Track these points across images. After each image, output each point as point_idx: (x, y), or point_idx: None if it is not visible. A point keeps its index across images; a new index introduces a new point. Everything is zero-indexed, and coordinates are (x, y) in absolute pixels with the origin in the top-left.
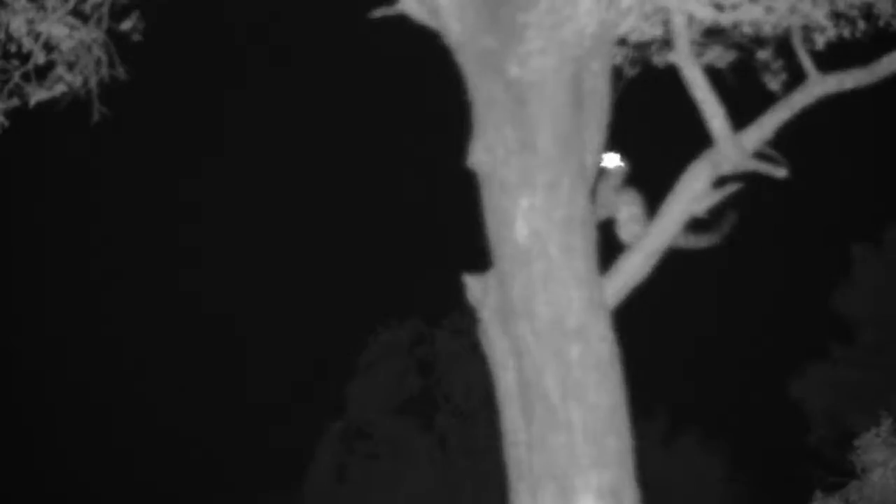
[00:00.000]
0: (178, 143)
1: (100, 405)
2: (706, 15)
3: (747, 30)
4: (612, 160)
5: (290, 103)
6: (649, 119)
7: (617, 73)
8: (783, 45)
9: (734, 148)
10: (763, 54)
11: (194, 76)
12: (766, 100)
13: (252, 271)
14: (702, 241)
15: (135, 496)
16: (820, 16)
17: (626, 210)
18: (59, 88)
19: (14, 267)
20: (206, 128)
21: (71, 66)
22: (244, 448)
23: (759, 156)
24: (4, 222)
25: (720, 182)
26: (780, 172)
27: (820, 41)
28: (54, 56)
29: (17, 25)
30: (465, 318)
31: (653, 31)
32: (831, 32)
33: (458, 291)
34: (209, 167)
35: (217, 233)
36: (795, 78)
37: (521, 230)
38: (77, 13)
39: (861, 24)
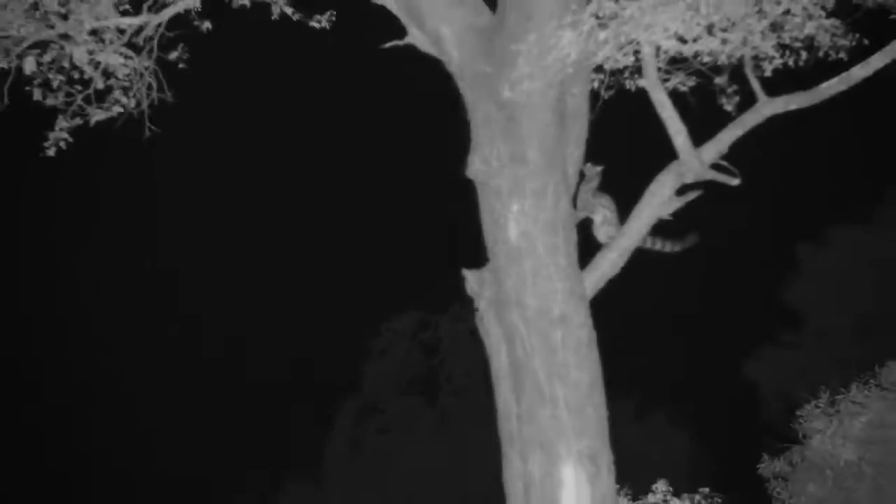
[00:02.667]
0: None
1: (125, 387)
2: (671, 46)
3: (706, 59)
4: (591, 168)
5: (307, 108)
6: (622, 135)
7: (594, 95)
8: (737, 72)
9: (695, 160)
10: (719, 80)
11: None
12: (722, 119)
13: (274, 272)
14: (667, 247)
15: (162, 471)
16: (768, 47)
17: (602, 213)
18: (116, 109)
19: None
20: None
21: (126, 91)
22: (270, 423)
23: (717, 167)
24: None
25: (683, 190)
26: (734, 181)
27: (768, 69)
28: (111, 82)
29: (80, 55)
30: (464, 308)
31: (625, 60)
32: (778, 61)
33: (459, 284)
34: (226, 165)
35: (241, 230)
36: (747, 100)
37: (512, 231)
38: (131, 45)
39: (804, 54)
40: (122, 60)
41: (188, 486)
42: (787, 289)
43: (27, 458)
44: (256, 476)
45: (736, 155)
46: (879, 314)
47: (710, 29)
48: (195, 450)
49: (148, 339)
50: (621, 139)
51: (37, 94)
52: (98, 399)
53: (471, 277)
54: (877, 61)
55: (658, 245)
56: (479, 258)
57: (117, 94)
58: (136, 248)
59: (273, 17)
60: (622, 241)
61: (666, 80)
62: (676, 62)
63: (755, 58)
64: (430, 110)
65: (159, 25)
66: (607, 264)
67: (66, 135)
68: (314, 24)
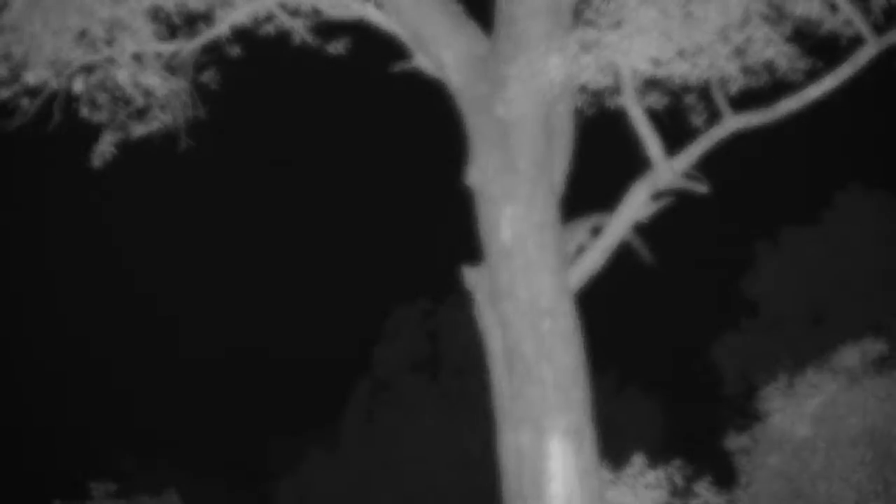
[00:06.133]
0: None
1: (164, 366)
2: (646, 69)
3: (677, 80)
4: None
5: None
6: (602, 147)
7: (578, 112)
8: (705, 92)
9: (668, 170)
10: (689, 99)
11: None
12: (692, 134)
13: (301, 268)
14: (643, 252)
15: (196, 435)
16: (732, 69)
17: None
18: (155, 124)
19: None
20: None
21: (163, 108)
22: (294, 397)
23: (687, 176)
24: None
25: (657, 196)
26: (702, 188)
27: (733, 89)
28: (151, 100)
29: (123, 77)
30: (463, 299)
31: (605, 81)
32: (741, 82)
33: (459, 278)
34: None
35: (265, 223)
36: (714, 117)
37: (505, 232)
38: (169, 67)
39: (764, 76)
40: (160, 81)
41: (221, 452)
42: (746, 282)
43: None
44: (280, 443)
45: (704, 165)
46: (830, 306)
47: (681, 53)
48: (228, 420)
49: (184, 323)
50: (601, 151)
51: (84, 112)
52: (135, 373)
53: (469, 273)
54: (829, 82)
55: (640, 248)
56: (476, 255)
57: (156, 111)
58: (167, 236)
59: (294, 45)
60: (603, 241)
61: (642, 99)
62: (651, 83)
63: (721, 79)
64: (431, 126)
65: (194, 50)
66: (590, 261)
67: (111, 147)
68: (331, 50)
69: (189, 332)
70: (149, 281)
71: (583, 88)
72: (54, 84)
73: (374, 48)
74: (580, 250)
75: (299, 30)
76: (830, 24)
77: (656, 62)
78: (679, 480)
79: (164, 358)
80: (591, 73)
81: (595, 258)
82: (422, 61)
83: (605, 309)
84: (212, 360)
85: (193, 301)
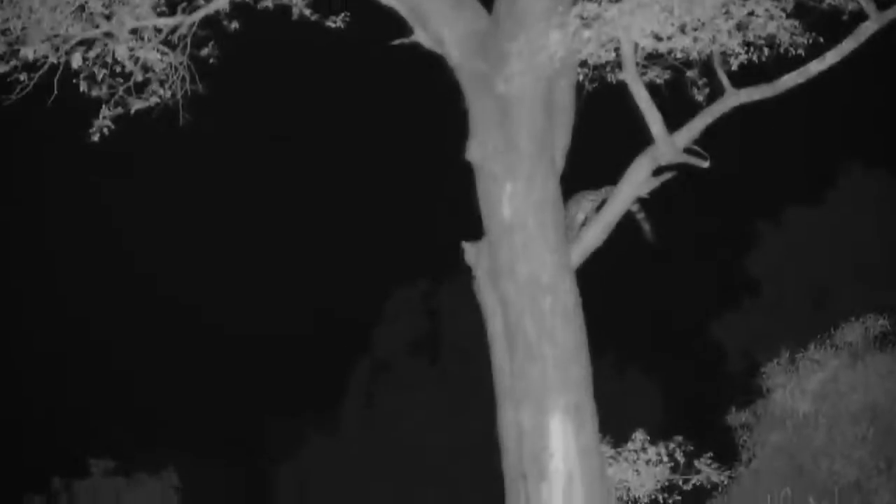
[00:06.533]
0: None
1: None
2: (647, 44)
3: (679, 55)
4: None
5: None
6: (604, 123)
7: (579, 88)
8: (706, 67)
9: (669, 145)
10: (691, 73)
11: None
12: (693, 109)
13: (303, 247)
14: (646, 226)
15: (195, 415)
16: (734, 44)
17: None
18: (153, 100)
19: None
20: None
21: (162, 83)
22: (293, 379)
23: (689, 151)
24: None
25: (658, 171)
26: (704, 164)
27: (734, 64)
28: (149, 75)
29: (122, 52)
30: (463, 278)
31: (607, 56)
32: (743, 57)
33: (459, 255)
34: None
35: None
36: (715, 92)
37: (505, 209)
38: (167, 42)
39: (766, 51)
40: (159, 56)
41: (221, 432)
42: (749, 261)
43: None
44: (279, 424)
45: (706, 140)
46: (831, 285)
47: (682, 28)
48: (227, 401)
49: (183, 303)
50: (603, 126)
51: (83, 86)
52: (134, 353)
53: (469, 250)
54: (831, 57)
55: (644, 223)
56: (476, 232)
57: (155, 86)
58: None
59: (293, 18)
60: (604, 217)
61: (643, 74)
62: (653, 58)
63: (723, 54)
64: (431, 102)
65: (192, 25)
66: (591, 237)
67: (109, 122)
68: (330, 23)
69: (188, 312)
70: (148, 260)
71: (583, 64)
72: (52, 59)
73: (374, 23)
74: (581, 227)
75: (298, 4)
76: None
77: (657, 37)
78: (680, 457)
79: (162, 338)
80: (592, 49)
81: (596, 234)
82: (421, 37)
83: (607, 286)
84: (211, 341)
85: (193, 282)
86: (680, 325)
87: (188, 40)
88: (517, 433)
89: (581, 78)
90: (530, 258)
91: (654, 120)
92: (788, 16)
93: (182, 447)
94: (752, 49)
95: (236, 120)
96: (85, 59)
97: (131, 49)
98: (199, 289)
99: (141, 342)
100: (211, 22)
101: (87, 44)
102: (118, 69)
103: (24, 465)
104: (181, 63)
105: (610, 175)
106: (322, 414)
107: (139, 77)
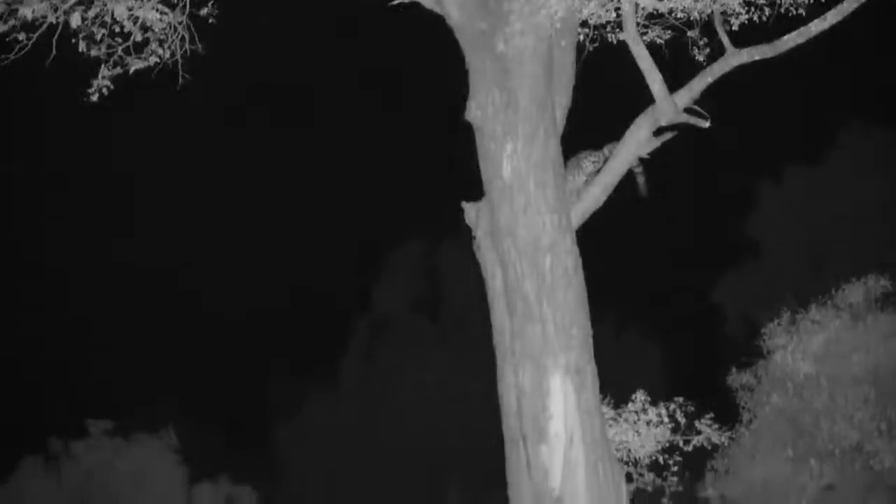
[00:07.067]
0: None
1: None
2: (648, 3)
3: (680, 14)
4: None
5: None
6: (604, 83)
7: (580, 48)
8: (707, 27)
9: (670, 105)
10: (692, 33)
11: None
12: (694, 68)
13: (302, 216)
14: (642, 182)
15: (194, 374)
16: (735, 3)
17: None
18: (153, 60)
19: None
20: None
21: (161, 43)
22: (293, 338)
23: (689, 111)
24: None
25: (659, 132)
26: (704, 124)
27: (735, 23)
28: (149, 35)
29: (121, 11)
30: (463, 236)
31: (607, 16)
32: (744, 16)
33: (459, 215)
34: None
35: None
36: (716, 52)
37: (506, 169)
38: (166, 2)
39: (767, 10)
40: (158, 16)
41: (220, 392)
42: (749, 222)
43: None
44: (279, 383)
45: (706, 100)
46: (832, 245)
47: None
48: (226, 361)
49: (184, 265)
50: (603, 86)
51: (82, 46)
52: (132, 314)
53: (469, 209)
54: (832, 17)
55: (641, 179)
56: (476, 192)
57: (154, 46)
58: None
59: None
60: (605, 177)
61: (644, 34)
62: (653, 17)
63: (723, 14)
64: (431, 61)
65: None
66: (591, 198)
67: (108, 82)
68: None
69: (189, 272)
70: (148, 223)
71: (584, 24)
72: (51, 18)
73: None
74: (581, 187)
75: None
76: None
77: None
78: (681, 418)
79: (161, 298)
80: (593, 8)
81: (596, 195)
82: None
83: (606, 247)
84: (211, 301)
85: (193, 242)
86: (680, 286)
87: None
88: (517, 394)
89: (581, 38)
90: (530, 218)
91: (654, 80)
92: None
93: (180, 405)
94: (752, 9)
95: (236, 78)
96: (84, 19)
97: (130, 8)
98: (199, 248)
99: (140, 302)
100: None
101: (86, 3)
102: (117, 29)
103: (21, 427)
104: (180, 23)
105: (610, 135)
106: (322, 372)
107: (138, 37)
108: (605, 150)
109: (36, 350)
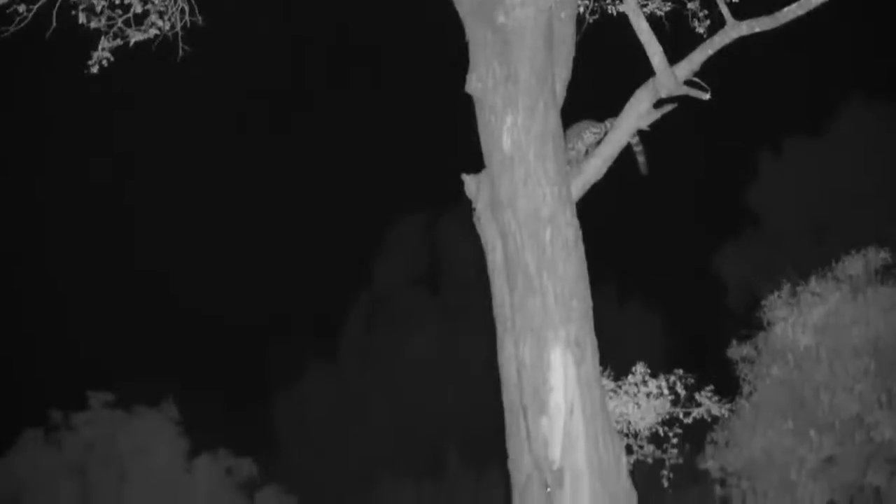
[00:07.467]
0: None
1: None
2: None
3: None
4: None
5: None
6: (604, 55)
7: (580, 20)
8: None
9: (670, 77)
10: (692, 5)
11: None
12: (694, 40)
13: (303, 189)
14: (642, 159)
15: (194, 346)
16: None
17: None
18: (153, 31)
19: None
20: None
21: (161, 15)
22: (293, 311)
23: (689, 83)
24: None
25: (659, 104)
26: (704, 96)
27: None
28: (149, 6)
29: None
30: (464, 209)
31: None
32: None
33: (459, 187)
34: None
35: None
36: (717, 23)
37: (506, 142)
38: None
39: None
40: None
41: (220, 363)
42: (750, 193)
43: None
44: (279, 357)
45: (706, 72)
46: (833, 217)
47: None
48: (229, 332)
49: (183, 234)
50: (603, 58)
51: (82, 18)
52: (133, 283)
53: (469, 182)
54: None
55: (641, 155)
56: (476, 165)
57: (154, 17)
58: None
59: None
60: (605, 149)
61: (644, 6)
62: None
63: None
64: (430, 34)
65: None
66: (592, 170)
67: (108, 54)
68: None
69: (190, 242)
70: (147, 196)
71: None
72: None
73: None
74: (582, 159)
75: None
76: None
77: None
78: (681, 390)
79: (161, 269)
80: None
81: (596, 167)
82: None
83: (607, 219)
84: (213, 270)
85: (193, 212)
86: (680, 258)
87: None
88: (517, 367)
89: (582, 10)
90: (530, 190)
91: (654, 52)
92: None
93: (181, 379)
94: None
95: (237, 52)
96: None
97: None
98: (201, 222)
99: (139, 273)
100: None
101: None
102: (117, 0)
103: (22, 398)
104: None
105: (610, 108)
106: (322, 345)
107: (138, 8)
108: (607, 122)
109: (38, 322)
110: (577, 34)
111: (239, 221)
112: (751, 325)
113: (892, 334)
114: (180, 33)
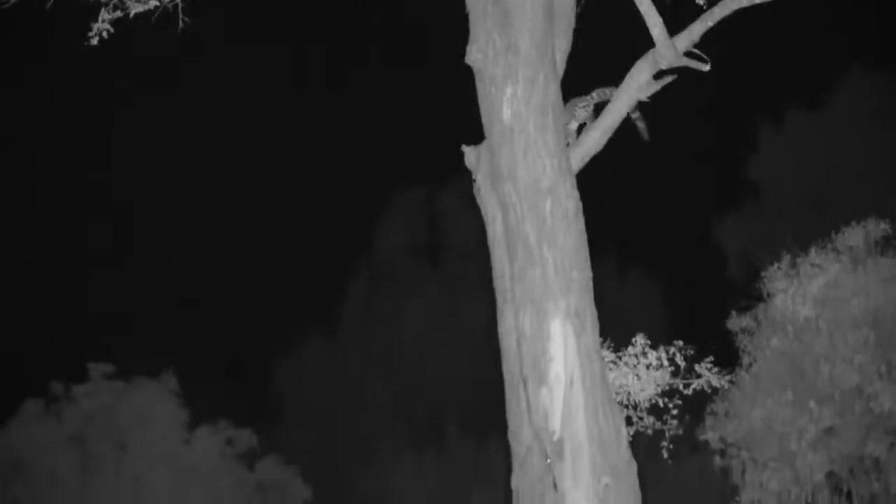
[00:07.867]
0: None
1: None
2: None
3: None
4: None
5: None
6: (605, 26)
7: None
8: None
9: (670, 49)
10: None
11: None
12: (694, 12)
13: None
14: (642, 126)
15: (194, 318)
16: None
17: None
18: (153, 3)
19: None
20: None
21: None
22: (293, 282)
23: (689, 54)
24: None
25: (659, 75)
26: (704, 67)
27: None
28: None
29: None
30: (464, 180)
31: None
32: None
33: (459, 159)
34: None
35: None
36: None
37: (506, 113)
38: None
39: None
40: None
41: (220, 335)
42: (750, 164)
43: None
44: (279, 328)
45: (706, 43)
46: (833, 188)
47: None
48: (227, 303)
49: (183, 205)
50: (604, 30)
51: None
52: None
53: (469, 153)
54: None
55: (640, 123)
56: (476, 136)
57: None
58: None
59: None
60: (605, 121)
61: None
62: None
63: None
64: (432, 5)
65: None
66: (592, 141)
67: (108, 26)
68: None
69: (190, 216)
70: (146, 169)
71: None
72: None
73: None
74: (581, 131)
75: None
76: None
77: None
78: (681, 361)
79: (162, 241)
80: None
81: (596, 138)
82: None
83: (607, 191)
84: (212, 244)
85: (195, 185)
86: (680, 229)
87: None
88: (517, 338)
89: None
90: (530, 162)
91: (654, 23)
92: None
93: (182, 351)
94: None
95: (237, 21)
96: None
97: None
98: (199, 194)
99: (141, 245)
100: None
101: None
102: None
103: (22, 370)
104: None
105: (610, 79)
106: (323, 317)
107: None
108: (594, 94)
109: (38, 293)
110: (577, 6)
111: (240, 194)
112: (751, 296)
113: (892, 305)
114: (180, 4)
